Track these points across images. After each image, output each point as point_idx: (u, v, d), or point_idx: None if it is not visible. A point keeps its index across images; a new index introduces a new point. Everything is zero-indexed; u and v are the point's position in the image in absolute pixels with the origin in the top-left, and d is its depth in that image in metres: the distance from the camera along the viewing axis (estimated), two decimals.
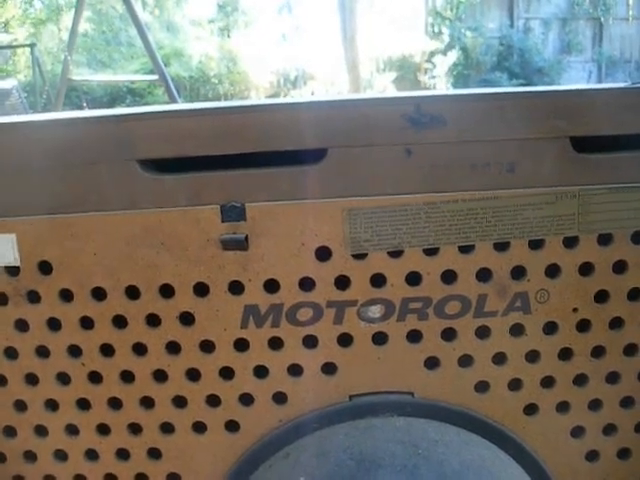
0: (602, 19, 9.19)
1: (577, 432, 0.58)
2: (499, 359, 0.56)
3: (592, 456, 0.59)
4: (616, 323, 0.56)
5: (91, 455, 0.59)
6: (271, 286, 0.54)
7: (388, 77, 8.52)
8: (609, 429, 0.58)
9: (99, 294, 0.55)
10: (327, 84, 8.53)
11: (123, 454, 0.59)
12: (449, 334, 0.55)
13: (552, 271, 0.54)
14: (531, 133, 0.52)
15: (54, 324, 0.56)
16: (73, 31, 3.95)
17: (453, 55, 8.32)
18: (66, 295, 0.55)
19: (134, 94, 7.82)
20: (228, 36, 9.13)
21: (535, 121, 0.51)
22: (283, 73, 8.92)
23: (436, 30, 8.67)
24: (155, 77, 3.81)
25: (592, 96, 0.52)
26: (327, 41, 8.32)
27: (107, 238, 0.53)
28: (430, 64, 8.40)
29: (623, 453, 0.59)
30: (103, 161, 0.53)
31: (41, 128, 0.54)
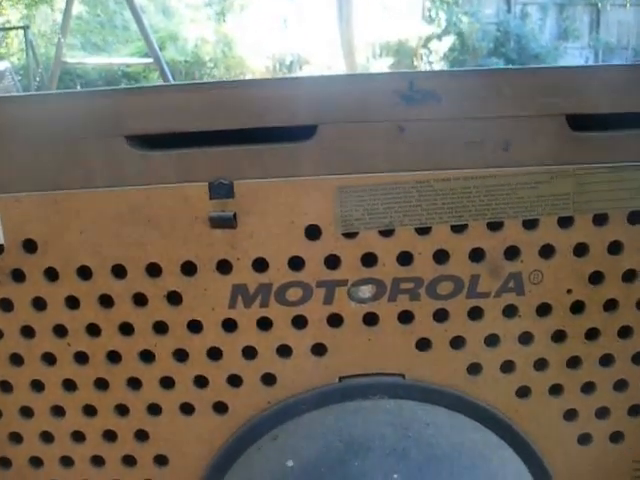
0: (599, 5, 9.17)
1: (570, 415, 0.58)
2: (491, 341, 0.55)
3: (584, 439, 0.58)
4: (611, 305, 0.55)
5: (77, 437, 0.58)
6: (260, 265, 0.53)
7: (385, 62, 8.49)
8: (602, 412, 0.58)
9: (85, 273, 0.54)
10: (323, 69, 8.50)
11: (110, 436, 0.58)
12: (441, 315, 0.54)
13: (546, 251, 0.53)
14: (526, 111, 0.51)
15: (39, 303, 0.55)
16: (67, 13, 3.92)
17: (449, 40, 8.29)
18: (51, 274, 0.54)
19: (129, 78, 7.78)
20: (224, 20, 9.08)
21: (531, 98, 0.50)
22: (279, 58, 8.88)
23: (433, 15, 8.64)
24: (150, 60, 3.79)
25: (589, 74, 0.51)
26: (323, 26, 8.27)
27: (93, 215, 0.52)
28: (426, 49, 8.37)
29: (616, 436, 0.58)
30: (90, 137, 0.51)
31: (26, 104, 0.52)
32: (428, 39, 8.42)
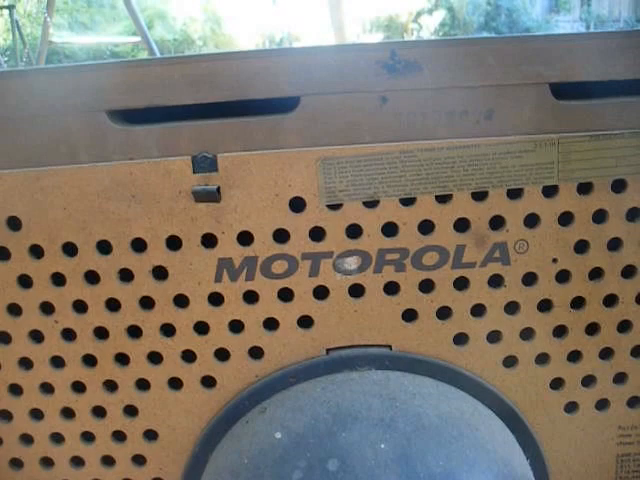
0: None
1: (556, 384, 0.58)
2: (478, 311, 0.55)
3: (571, 407, 0.59)
4: (596, 274, 0.55)
5: (67, 413, 0.58)
6: (245, 238, 0.53)
7: (375, 38, 8.42)
8: (588, 380, 0.58)
9: (70, 249, 0.54)
10: None
11: (99, 412, 0.58)
12: (427, 286, 0.54)
13: (531, 221, 0.53)
14: (510, 79, 0.50)
15: (25, 281, 0.55)
16: None
17: (440, 15, 8.23)
18: (36, 251, 0.54)
19: (117, 57, 7.68)
20: None
21: (514, 67, 0.50)
22: (268, 35, 8.81)
23: None
24: (138, 39, 3.75)
25: (572, 42, 0.51)
26: (313, 2, 8.20)
27: (77, 192, 0.52)
28: (416, 24, 8.32)
29: (601, 404, 0.59)
30: (71, 113, 0.51)
31: (6, 80, 0.52)
32: (418, 14, 8.36)
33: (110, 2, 8.23)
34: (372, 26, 8.60)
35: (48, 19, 3.65)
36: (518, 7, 8.64)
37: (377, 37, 8.42)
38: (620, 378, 0.58)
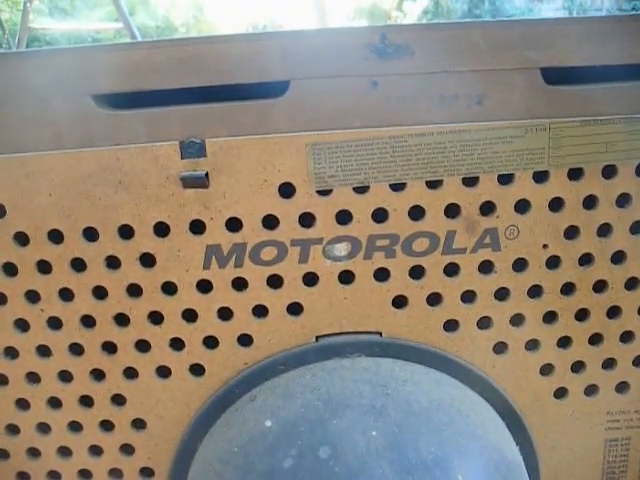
0: None
1: (546, 370, 0.58)
2: (468, 297, 0.55)
3: (560, 393, 0.59)
4: (586, 259, 0.55)
5: (54, 403, 0.58)
6: (233, 225, 0.52)
7: (359, 25, 8.38)
8: (577, 366, 0.58)
9: (56, 237, 0.53)
10: None
11: (87, 401, 0.58)
12: (417, 272, 0.54)
13: (522, 207, 0.53)
14: (501, 64, 0.50)
15: (10, 269, 0.54)
16: None
17: (423, 2, 8.21)
18: (21, 238, 0.53)
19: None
20: None
21: (505, 51, 0.50)
22: (251, 22, 8.76)
23: None
24: (120, 25, 3.71)
25: (563, 26, 0.51)
26: None
27: (63, 178, 0.51)
28: (400, 12, 8.30)
29: (590, 390, 0.59)
30: (56, 97, 0.50)
31: None
32: (402, 1, 8.33)
33: None
34: (355, 13, 8.56)
35: (28, 4, 3.60)
36: None
37: (361, 24, 8.39)
38: (609, 364, 0.58)
